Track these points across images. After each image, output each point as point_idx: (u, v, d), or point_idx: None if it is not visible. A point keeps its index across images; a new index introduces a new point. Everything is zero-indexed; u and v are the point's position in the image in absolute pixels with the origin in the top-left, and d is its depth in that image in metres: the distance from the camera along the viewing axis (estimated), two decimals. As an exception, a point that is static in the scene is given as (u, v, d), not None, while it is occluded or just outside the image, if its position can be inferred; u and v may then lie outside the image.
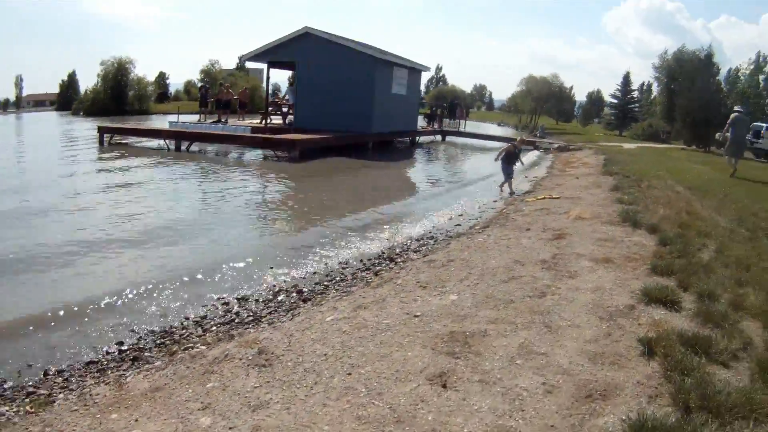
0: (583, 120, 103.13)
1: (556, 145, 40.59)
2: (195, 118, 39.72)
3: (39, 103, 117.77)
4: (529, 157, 35.40)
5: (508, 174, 19.81)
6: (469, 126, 65.10)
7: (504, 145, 20.65)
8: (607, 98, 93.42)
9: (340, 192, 20.39)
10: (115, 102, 75.46)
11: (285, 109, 37.42)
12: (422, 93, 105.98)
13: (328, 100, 33.76)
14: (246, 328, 7.49)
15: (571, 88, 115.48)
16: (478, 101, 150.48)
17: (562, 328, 6.43)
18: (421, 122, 50.31)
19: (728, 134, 23.99)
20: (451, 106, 54.35)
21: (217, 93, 39.48)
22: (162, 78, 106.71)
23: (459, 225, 14.73)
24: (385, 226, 14.64)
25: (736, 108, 25.43)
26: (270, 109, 38.58)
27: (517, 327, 6.51)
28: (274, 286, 9.64)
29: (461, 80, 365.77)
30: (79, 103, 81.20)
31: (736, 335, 6.10)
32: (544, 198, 16.21)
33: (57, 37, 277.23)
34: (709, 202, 15.45)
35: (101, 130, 31.53)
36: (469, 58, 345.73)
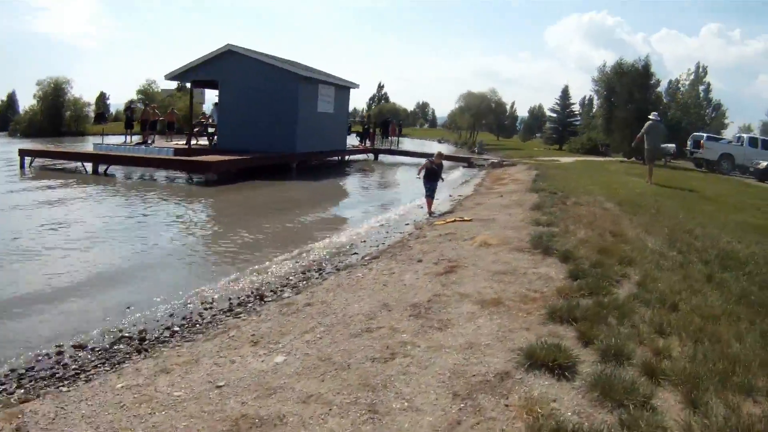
0: (525, 135, 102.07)
1: (490, 162, 38.77)
2: (122, 139, 37.59)
3: None
4: (461, 174, 33.89)
5: (429, 191, 18.02)
6: (410, 144, 63.78)
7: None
8: (548, 113, 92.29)
9: (243, 217, 18.28)
10: (52, 123, 72.49)
11: (212, 130, 35.53)
12: (363, 110, 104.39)
13: (251, 119, 31.93)
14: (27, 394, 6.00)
15: (513, 104, 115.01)
16: (420, 118, 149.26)
17: (392, 414, 4.61)
18: (354, 141, 48.43)
19: (644, 143, 24.41)
20: (384, 123, 52.09)
21: (142, 114, 37.92)
22: (102, 98, 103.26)
23: (356, 253, 12.98)
24: (279, 255, 12.91)
25: (650, 116, 25.30)
26: (196, 129, 36.65)
27: (331, 411, 4.72)
28: (119, 330, 8.16)
29: (405, 97, 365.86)
30: (16, 125, 78.07)
31: (643, 423, 4.23)
32: (454, 221, 14.33)
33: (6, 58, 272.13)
34: (640, 218, 13.77)
35: (22, 153, 28.99)
36: (413, 76, 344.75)
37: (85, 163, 28.21)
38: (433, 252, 10.65)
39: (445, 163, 40.25)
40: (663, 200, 17.81)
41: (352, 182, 32.32)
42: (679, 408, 4.62)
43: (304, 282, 10.44)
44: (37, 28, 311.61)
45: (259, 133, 31.71)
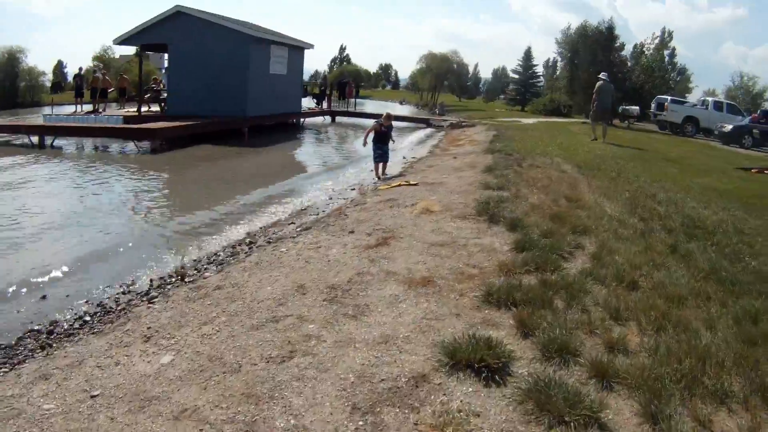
0: (488, 97, 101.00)
1: (449, 123, 37.66)
2: (73, 109, 35.70)
3: None
4: (419, 136, 32.74)
5: (379, 155, 16.85)
6: (371, 105, 62.29)
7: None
8: (510, 74, 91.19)
9: (185, 186, 17.27)
10: (6, 94, 70.00)
11: (165, 95, 33.66)
12: (324, 72, 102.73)
13: (201, 84, 30.27)
14: None
15: (476, 65, 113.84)
16: (383, 80, 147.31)
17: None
18: (311, 103, 47.02)
19: (594, 102, 24.80)
20: (340, 84, 50.44)
21: (91, 82, 35.86)
22: (60, 67, 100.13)
23: (292, 223, 11.69)
24: (213, 227, 11.92)
25: (600, 75, 25.40)
26: (147, 96, 34.98)
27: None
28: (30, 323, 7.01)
29: (368, 60, 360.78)
30: (-30, 97, 75.17)
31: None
32: (399, 185, 13.28)
33: None
34: (599, 182, 12.85)
35: None
36: (376, 39, 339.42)
37: (31, 136, 25.88)
38: (369, 221, 9.57)
39: (403, 124, 39.40)
40: (624, 162, 16.91)
41: (303, 146, 30.99)
42: (636, 423, 3.69)
43: (232, 258, 9.23)
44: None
45: (209, 97, 30.17)
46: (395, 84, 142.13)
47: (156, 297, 7.17)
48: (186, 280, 8.01)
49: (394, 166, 18.97)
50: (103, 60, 78.23)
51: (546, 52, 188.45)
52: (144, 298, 7.33)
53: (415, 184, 13.05)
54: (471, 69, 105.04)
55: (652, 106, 40.95)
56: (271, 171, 20.28)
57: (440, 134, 33.14)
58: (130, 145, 24.72)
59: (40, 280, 8.57)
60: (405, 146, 26.72)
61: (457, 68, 76.36)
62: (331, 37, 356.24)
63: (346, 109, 45.44)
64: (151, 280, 8.34)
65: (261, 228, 11.54)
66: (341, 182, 17.37)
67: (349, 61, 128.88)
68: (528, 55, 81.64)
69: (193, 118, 28.01)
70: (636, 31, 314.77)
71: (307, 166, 22.33)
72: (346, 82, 51.03)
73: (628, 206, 10.11)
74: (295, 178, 18.58)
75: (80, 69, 38.12)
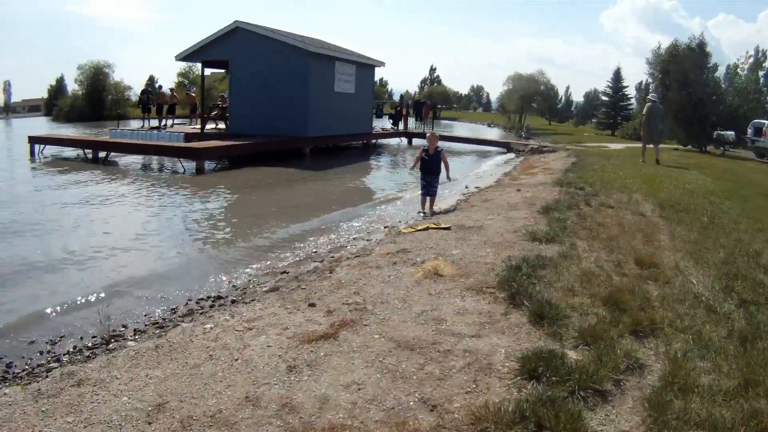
0: (578, 120, 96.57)
1: (530, 147, 34.47)
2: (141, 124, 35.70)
3: (35, 107, 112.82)
4: (494, 162, 29.71)
5: (424, 187, 13.97)
6: (460, 128, 59.58)
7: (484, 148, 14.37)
8: (601, 97, 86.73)
9: (192, 215, 14.98)
10: (93, 107, 70.50)
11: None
12: (415, 93, 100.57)
13: (262, 101, 28.72)
14: None
15: (568, 88, 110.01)
16: (474, 102, 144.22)
17: None
18: (387, 124, 44.44)
19: (644, 124, 24.26)
20: (417, 105, 47.18)
21: (157, 98, 35.06)
22: (151, 82, 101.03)
23: (285, 272, 9.15)
24: (164, 282, 9.25)
25: (649, 97, 25.14)
26: (214, 113, 34.30)
27: None
28: None
29: (459, 81, 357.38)
30: (60, 110, 76.46)
31: None
32: (427, 228, 10.44)
33: (54, 42, 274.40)
34: (686, 232, 9.63)
35: (32, 141, 27.15)
36: (467, 59, 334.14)
37: (85, 150, 26.07)
38: (351, 286, 6.84)
39: (483, 148, 36.42)
40: (718, 201, 13.49)
41: (365, 171, 27.67)
42: None
43: (168, 323, 7.00)
44: (87, 12, 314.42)
45: (270, 115, 28.52)
46: (487, 106, 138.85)
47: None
48: (108, 347, 6.22)
49: (450, 197, 16.55)
50: (187, 77, 78.06)
51: (638, 74, 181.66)
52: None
53: (446, 228, 10.20)
54: (562, 91, 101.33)
55: (749, 131, 36.48)
56: (314, 201, 17.47)
57: (518, 160, 29.91)
58: (186, 163, 23.10)
59: None
60: (475, 173, 23.87)
61: (544, 90, 72.64)
62: (421, 58, 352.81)
63: (422, 131, 42.35)
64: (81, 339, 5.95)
65: (229, 284, 8.90)
66: (381, 218, 14.52)
67: (439, 81, 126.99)
68: (617, 76, 76.78)
69: (253, 137, 26.61)
70: (729, 53, 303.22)
71: (356, 196, 19.25)
72: (422, 103, 47.95)
73: (723, 275, 6.93)
74: (335, 211, 15.48)
75: (147, 85, 36.65)
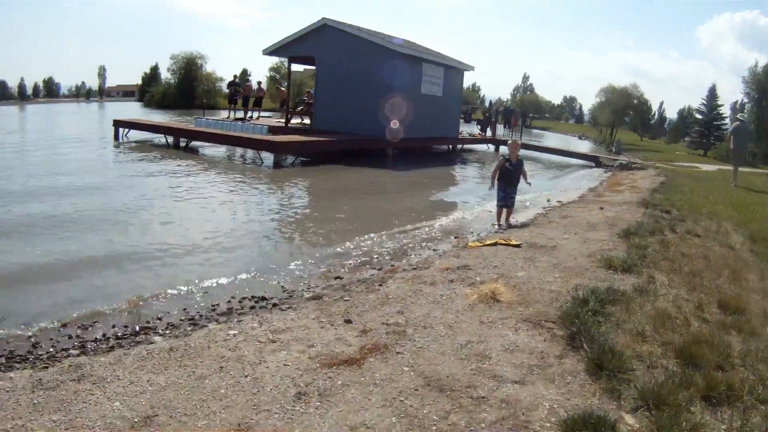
0: (670, 138, 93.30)
1: (618, 163, 33.08)
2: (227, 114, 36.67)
3: (129, 93, 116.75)
4: (580, 175, 28.52)
5: (502, 199, 13.16)
6: (549, 138, 58.12)
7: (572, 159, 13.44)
8: (695, 115, 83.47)
9: (294, 207, 14.98)
10: (185, 96, 72.01)
11: (315, 109, 32.30)
12: (507, 100, 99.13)
13: (347, 99, 28.47)
14: None
15: (661, 104, 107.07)
16: (566, 113, 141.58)
17: None
18: (475, 129, 43.55)
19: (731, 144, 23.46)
20: (506, 112, 45.95)
21: (244, 90, 35.50)
22: (244, 75, 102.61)
23: (338, 277, 8.59)
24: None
25: (738, 116, 24.98)
26: (300, 108, 34.03)
27: None
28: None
29: (551, 90, 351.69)
30: (151, 96, 78.42)
31: None
32: (496, 243, 9.70)
33: (152, 31, 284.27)
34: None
35: (116, 124, 28.26)
36: (560, 69, 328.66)
37: (167, 137, 26.71)
38: (396, 304, 6.26)
39: (572, 161, 35.00)
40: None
41: (448, 175, 26.73)
42: None
43: (203, 320, 6.74)
44: (186, 6, 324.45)
45: (354, 113, 28.17)
46: (579, 117, 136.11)
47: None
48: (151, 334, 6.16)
49: (530, 210, 15.85)
50: (279, 72, 78.76)
51: (734, 92, 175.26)
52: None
53: (515, 245, 9.44)
54: (655, 107, 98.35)
55: None
56: (388, 203, 16.83)
57: (605, 175, 28.55)
58: (265, 156, 23.14)
59: None
60: (560, 187, 22.90)
61: (637, 104, 70.22)
62: (515, 65, 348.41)
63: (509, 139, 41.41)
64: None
65: (279, 285, 8.43)
66: (454, 227, 13.79)
67: (532, 90, 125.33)
68: (712, 95, 73.56)
69: (337, 135, 26.56)
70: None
71: (433, 202, 18.41)
72: (512, 110, 46.89)
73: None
74: (408, 216, 14.73)
75: (234, 77, 36.68)
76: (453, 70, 33.43)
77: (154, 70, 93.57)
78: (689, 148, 71.21)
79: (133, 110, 58.52)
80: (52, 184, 15.39)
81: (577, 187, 22.66)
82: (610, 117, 67.25)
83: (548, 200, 18.22)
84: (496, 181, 13.19)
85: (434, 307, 6.07)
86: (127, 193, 14.79)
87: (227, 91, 38.38)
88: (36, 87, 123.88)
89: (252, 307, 7.20)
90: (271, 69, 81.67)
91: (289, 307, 6.57)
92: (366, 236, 11.83)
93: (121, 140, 27.49)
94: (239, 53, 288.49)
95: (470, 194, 19.72)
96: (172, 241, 10.57)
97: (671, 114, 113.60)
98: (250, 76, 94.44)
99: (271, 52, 31.89)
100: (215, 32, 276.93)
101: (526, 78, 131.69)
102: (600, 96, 69.00)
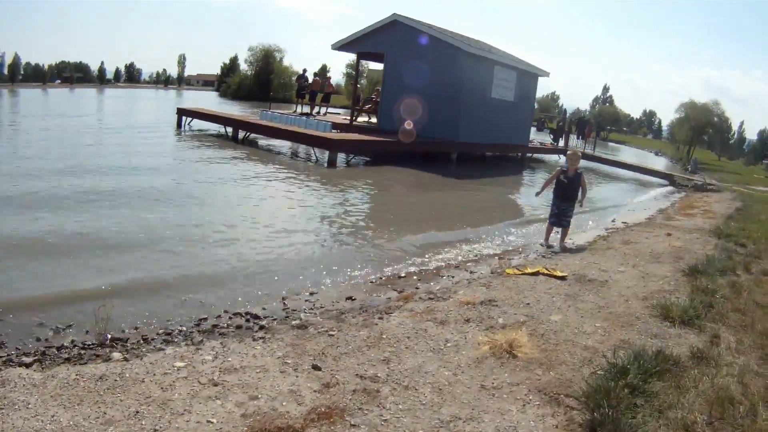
0: (749, 160, 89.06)
1: (693, 183, 30.96)
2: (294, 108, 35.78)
3: (209, 83, 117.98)
4: (654, 195, 26.45)
5: (555, 216, 11.52)
6: (625, 153, 55.96)
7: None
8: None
9: (336, 210, 13.72)
10: (261, 89, 71.97)
11: (383, 107, 31.10)
12: (586, 112, 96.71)
13: (413, 98, 26.68)
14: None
15: (742, 123, 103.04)
16: (644, 127, 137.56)
17: None
18: (548, 139, 41.71)
19: None
20: (580, 122, 43.43)
21: (311, 84, 34.21)
22: (324, 71, 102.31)
23: (349, 300, 7.41)
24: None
25: None
26: (368, 106, 32.59)
27: None
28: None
29: (631, 103, 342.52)
30: (227, 87, 78.77)
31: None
32: (537, 272, 8.33)
33: (235, 22, 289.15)
34: None
35: (180, 113, 28.25)
36: (640, 82, 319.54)
37: (227, 128, 26.30)
38: (390, 345, 5.11)
39: (644, 177, 32.80)
40: None
41: (513, 186, 24.92)
42: None
43: (178, 338, 5.84)
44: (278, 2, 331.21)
45: (420, 114, 26.40)
46: (657, 133, 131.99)
47: None
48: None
49: (591, 230, 14.25)
50: (354, 68, 78.20)
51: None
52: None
53: (560, 277, 8.05)
54: (735, 126, 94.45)
55: None
56: (438, 213, 15.28)
57: (678, 196, 26.41)
58: (320, 153, 22.41)
59: None
60: (629, 205, 21.18)
61: (717, 122, 66.72)
62: (594, 74, 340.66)
63: (583, 151, 38.93)
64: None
65: (282, 302, 7.28)
66: (504, 245, 12.12)
67: (611, 102, 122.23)
68: (793, 117, 70.23)
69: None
70: None
71: (488, 215, 16.11)
72: (587, 120, 44.42)
73: None
74: (454, 230, 13.00)
75: (304, 71, 35.75)
76: (527, 74, 31.63)
77: (234, 61, 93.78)
78: (768, 171, 67.58)
79: (207, 99, 58.73)
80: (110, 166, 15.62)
81: (647, 207, 20.78)
82: (689, 134, 64.08)
83: (613, 220, 16.62)
84: (551, 197, 11.70)
85: (431, 358, 4.81)
86: (166, 178, 14.81)
87: (297, 85, 37.45)
88: (117, 72, 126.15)
89: (239, 327, 6.22)
90: (348, 66, 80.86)
91: (261, 337, 5.41)
92: (400, 249, 10.56)
93: (183, 129, 27.24)
94: (316, 49, 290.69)
95: (530, 210, 17.91)
96: (193, 235, 9.94)
97: (751, 135, 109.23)
98: (329, 71, 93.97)
99: (341, 47, 30.56)
100: (294, 26, 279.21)
101: (606, 89, 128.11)
102: (680, 111, 65.54)
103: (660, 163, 52.84)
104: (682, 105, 65.67)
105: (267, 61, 76.49)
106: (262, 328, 6.05)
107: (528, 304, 6.56)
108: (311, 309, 6.93)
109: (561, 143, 39.32)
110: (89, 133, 24.11)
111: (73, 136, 22.72)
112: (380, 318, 5.98)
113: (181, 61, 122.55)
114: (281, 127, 24.07)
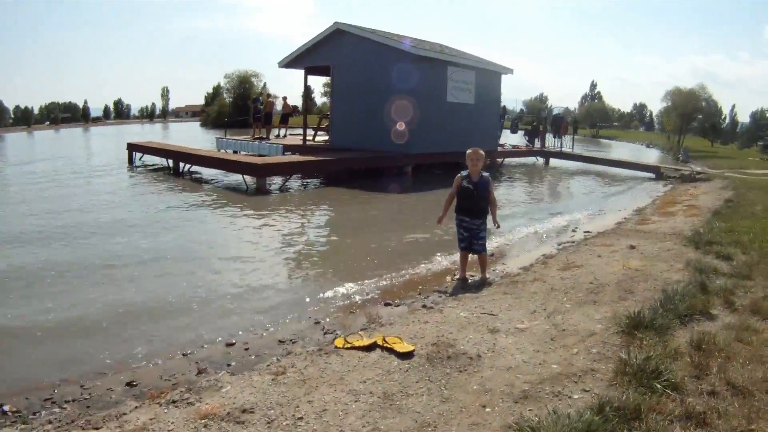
0: (742, 143, 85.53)
1: (681, 174, 27.44)
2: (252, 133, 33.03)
3: (196, 113, 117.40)
4: (632, 192, 22.98)
5: (465, 240, 8.48)
6: (616, 148, 53.84)
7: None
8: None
9: (247, 244, 10.87)
10: (239, 114, 70.30)
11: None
12: (575, 109, 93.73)
13: (362, 111, 24.16)
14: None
15: (733, 107, 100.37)
16: (636, 120, 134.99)
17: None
18: (521, 140, 38.46)
19: None
20: (555, 120, 39.61)
21: (265, 106, 31.78)
22: (308, 92, 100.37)
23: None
24: None
25: None
26: (327, 124, 29.70)
27: None
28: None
29: (621, 98, 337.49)
30: (207, 116, 77.42)
31: None
32: (374, 344, 5.14)
33: (219, 52, 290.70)
34: None
35: (130, 148, 26.87)
36: (628, 76, 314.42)
37: (168, 160, 24.00)
38: None
39: (630, 172, 29.00)
40: None
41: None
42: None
43: None
44: (255, 27, 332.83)
45: (370, 127, 23.76)
46: (649, 125, 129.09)
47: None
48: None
49: (541, 246, 11.34)
50: (304, 85, 76.73)
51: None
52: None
53: (405, 353, 4.86)
54: (727, 110, 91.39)
55: None
56: (372, 239, 11.97)
57: (663, 190, 22.93)
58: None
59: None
60: (601, 208, 17.54)
61: (705, 106, 63.08)
62: (583, 74, 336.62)
63: (560, 150, 35.34)
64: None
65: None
66: (441, 275, 9.15)
67: (600, 98, 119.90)
68: (787, 92, 66.94)
69: (353, 151, 23.25)
70: None
71: (430, 237, 12.30)
72: (560, 117, 40.51)
73: None
74: (378, 264, 9.91)
75: (259, 94, 32.93)
76: (487, 73, 28.02)
77: (217, 89, 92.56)
78: (762, 153, 63.76)
79: (190, 130, 56.82)
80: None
81: (623, 209, 17.23)
82: (677, 122, 60.66)
83: (573, 230, 13.40)
84: (455, 212, 8.58)
85: None
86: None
87: (250, 108, 34.61)
88: (107, 109, 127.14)
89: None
90: (326, 85, 79.13)
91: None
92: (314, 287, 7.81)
93: (135, 165, 25.76)
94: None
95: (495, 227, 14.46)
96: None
97: (744, 118, 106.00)
98: (313, 92, 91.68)
99: (287, 64, 27.72)
100: (276, 50, 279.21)
101: (593, 86, 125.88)
102: (666, 100, 62.01)
103: (652, 155, 49.74)
104: (667, 93, 62.14)
105: (243, 87, 74.78)
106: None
107: (301, 418, 3.31)
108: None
109: (537, 144, 35.95)
110: (29, 183, 20.63)
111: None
112: None
113: (165, 94, 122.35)
114: (209, 155, 21.93)
